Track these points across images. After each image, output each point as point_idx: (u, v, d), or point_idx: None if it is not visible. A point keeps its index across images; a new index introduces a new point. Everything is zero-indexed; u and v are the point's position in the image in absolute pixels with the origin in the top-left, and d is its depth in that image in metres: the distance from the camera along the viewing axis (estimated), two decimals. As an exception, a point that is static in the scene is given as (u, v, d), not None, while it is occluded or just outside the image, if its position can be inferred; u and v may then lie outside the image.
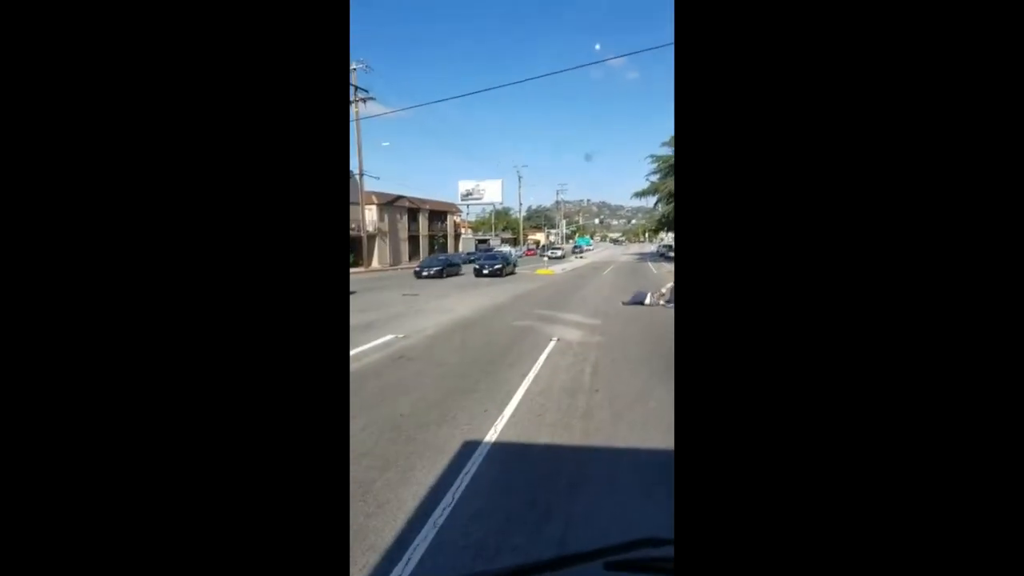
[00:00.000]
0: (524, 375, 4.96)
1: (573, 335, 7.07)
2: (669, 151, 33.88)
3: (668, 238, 44.92)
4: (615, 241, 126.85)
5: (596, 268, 25.00)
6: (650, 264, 27.66)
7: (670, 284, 10.10)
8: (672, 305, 9.48)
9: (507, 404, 4.09)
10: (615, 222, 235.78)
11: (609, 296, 12.00)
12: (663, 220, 37.32)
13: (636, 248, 68.61)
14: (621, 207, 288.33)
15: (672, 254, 36.25)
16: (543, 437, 3.40)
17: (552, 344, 6.42)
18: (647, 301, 9.89)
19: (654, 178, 35.45)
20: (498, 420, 3.71)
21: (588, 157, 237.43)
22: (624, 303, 10.09)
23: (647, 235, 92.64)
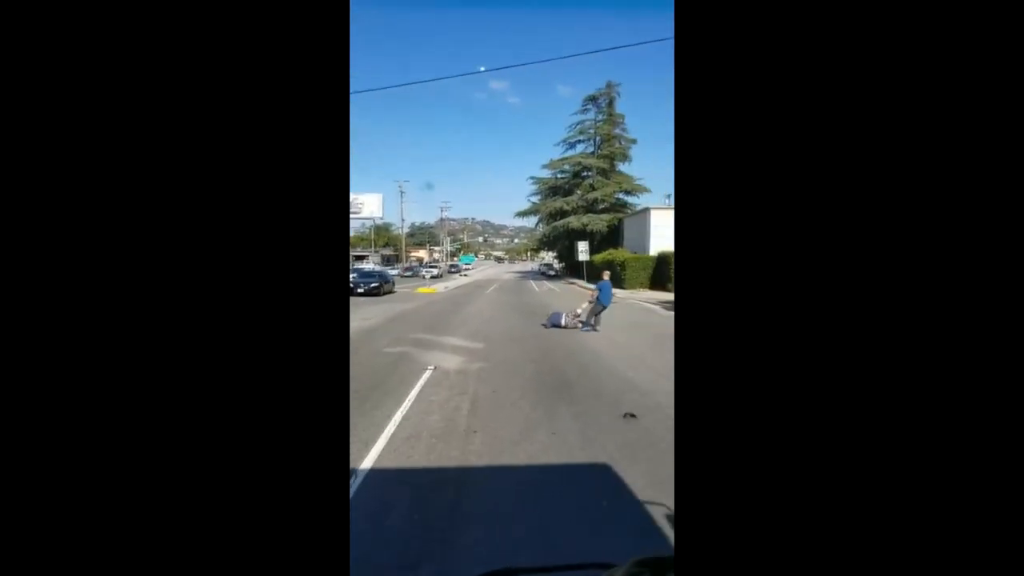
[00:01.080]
0: (390, 416, 4.21)
1: (451, 362, 6.45)
2: (549, 174, 35.26)
3: (548, 257, 46.55)
4: (499, 259, 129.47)
5: (480, 286, 24.75)
6: (532, 282, 28.17)
7: (585, 305, 9.87)
8: (587, 328, 9.22)
9: (364, 456, 3.32)
10: (498, 241, 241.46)
11: (492, 317, 11.61)
12: (544, 239, 38.59)
13: (519, 266, 70.40)
14: (504, 226, 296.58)
15: (552, 272, 37.57)
16: (404, 505, 2.71)
17: (427, 374, 5.74)
18: (563, 323, 9.59)
19: (535, 199, 36.61)
20: (351, 482, 2.93)
21: (429, 186, 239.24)
22: (544, 326, 9.75)
23: (529, 254, 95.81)
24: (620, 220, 30.70)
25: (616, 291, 21.00)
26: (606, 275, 10.06)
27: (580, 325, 9.46)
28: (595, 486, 2.95)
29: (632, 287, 21.61)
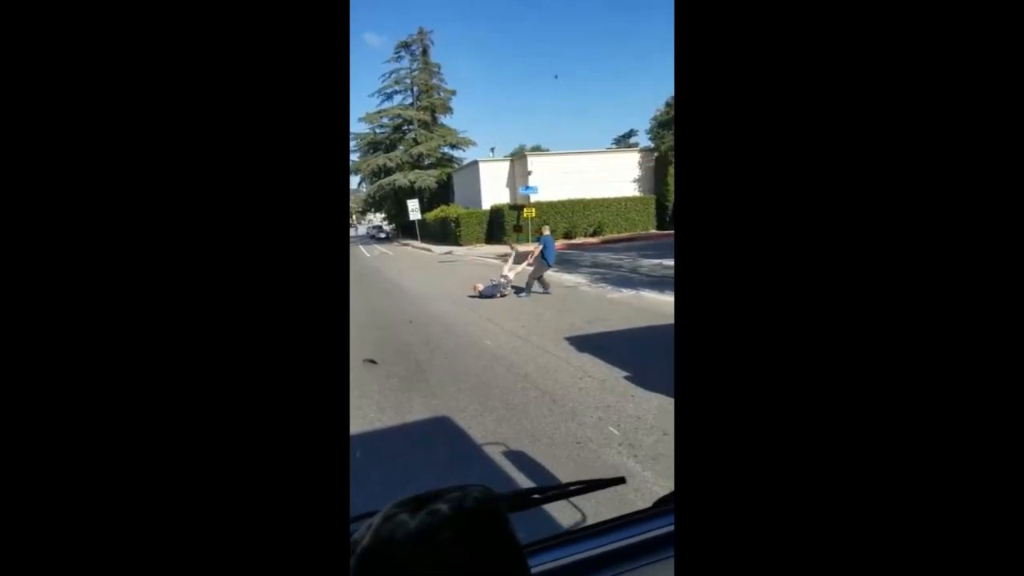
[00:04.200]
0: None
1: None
2: (367, 128, 32.43)
3: (376, 219, 43.73)
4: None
5: (301, 257, 21.82)
6: (361, 247, 25.89)
7: (517, 269, 8.25)
8: (525, 294, 7.76)
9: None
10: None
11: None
12: (369, 200, 35.92)
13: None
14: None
15: (382, 235, 35.38)
16: None
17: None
18: (499, 292, 7.87)
19: (354, 156, 33.54)
20: None
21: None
22: (472, 296, 8.02)
23: (355, 217, 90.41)
24: (449, 175, 29.84)
25: (454, 248, 20.49)
26: (546, 229, 8.29)
27: (512, 291, 7.96)
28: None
29: (468, 243, 21.17)
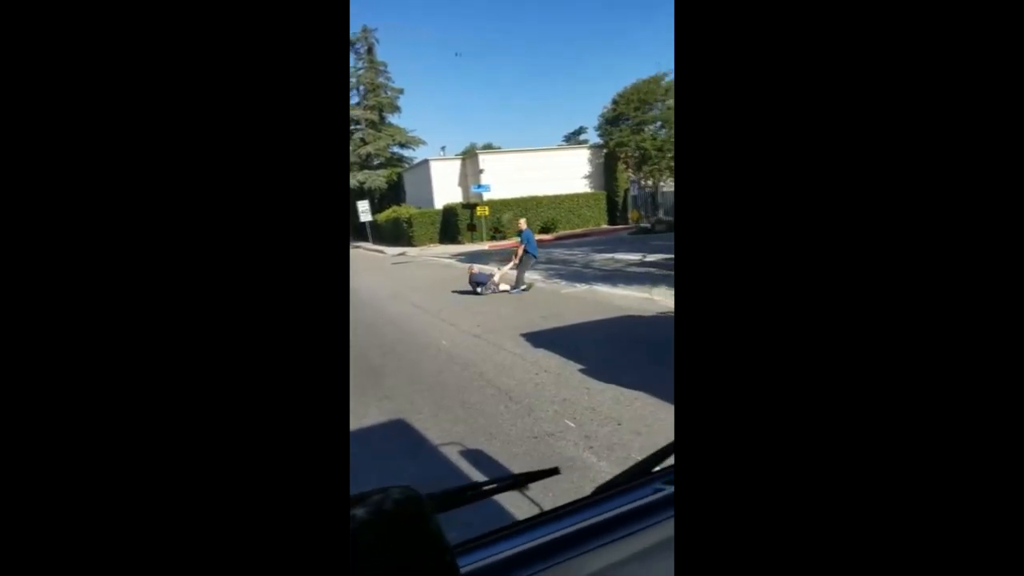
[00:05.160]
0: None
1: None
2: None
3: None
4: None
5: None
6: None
7: (506, 269, 8.22)
8: (518, 291, 7.58)
9: None
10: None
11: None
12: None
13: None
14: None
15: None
16: None
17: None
18: (488, 286, 7.74)
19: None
20: None
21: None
22: (458, 291, 7.84)
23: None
24: (399, 175, 29.35)
25: (407, 249, 20.18)
26: (523, 223, 8.27)
27: (511, 289, 7.80)
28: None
29: (422, 243, 20.91)
